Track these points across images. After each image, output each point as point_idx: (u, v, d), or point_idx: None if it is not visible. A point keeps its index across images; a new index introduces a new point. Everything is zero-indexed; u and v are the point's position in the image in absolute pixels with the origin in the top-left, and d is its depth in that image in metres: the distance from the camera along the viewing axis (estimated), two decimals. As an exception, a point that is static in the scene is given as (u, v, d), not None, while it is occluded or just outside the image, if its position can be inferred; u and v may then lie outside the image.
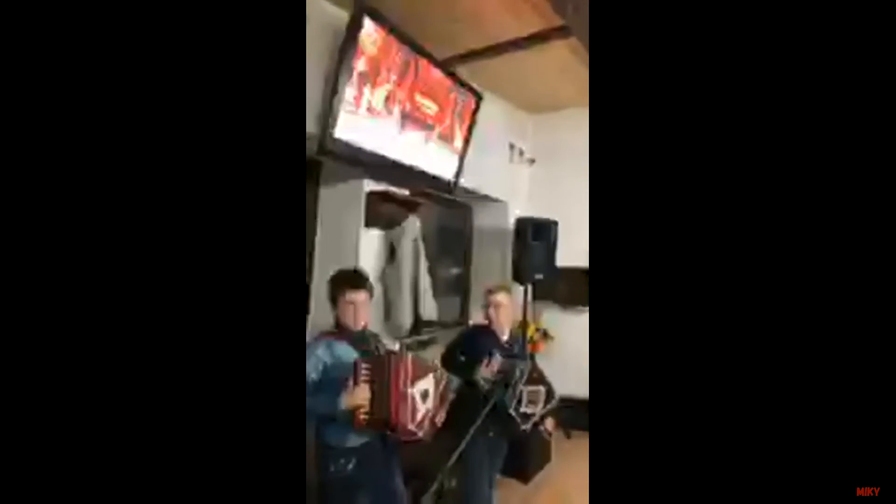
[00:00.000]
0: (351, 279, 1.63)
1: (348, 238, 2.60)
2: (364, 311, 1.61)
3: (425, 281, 2.75)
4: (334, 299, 1.60)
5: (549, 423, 2.04)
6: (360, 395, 1.42)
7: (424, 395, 1.51)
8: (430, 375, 1.55)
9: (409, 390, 1.45)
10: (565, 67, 2.95)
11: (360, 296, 1.59)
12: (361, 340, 1.59)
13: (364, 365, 1.45)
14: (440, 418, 1.57)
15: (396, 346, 2.06)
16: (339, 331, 1.60)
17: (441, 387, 1.58)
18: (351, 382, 1.42)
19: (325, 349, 1.52)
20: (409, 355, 1.53)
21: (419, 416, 1.47)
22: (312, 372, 1.48)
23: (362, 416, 1.43)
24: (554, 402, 1.91)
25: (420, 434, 1.48)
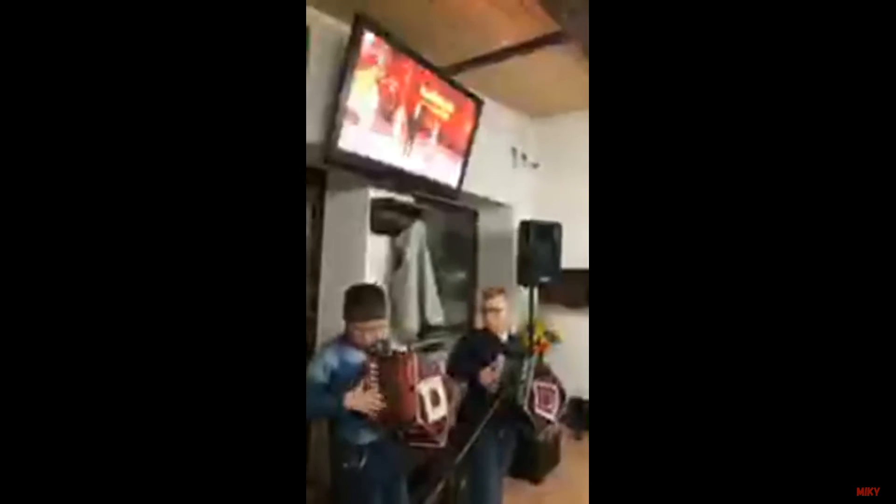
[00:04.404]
0: (374, 308, 1.62)
1: (355, 245, 2.62)
2: (381, 332, 1.63)
3: (431, 286, 2.77)
4: (352, 319, 1.60)
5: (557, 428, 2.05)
6: (368, 398, 1.48)
7: (434, 396, 1.54)
8: (438, 377, 1.60)
9: (417, 385, 1.49)
10: (565, 72, 2.97)
11: (382, 322, 1.64)
12: (371, 346, 1.62)
13: (373, 365, 1.51)
14: (451, 420, 1.60)
15: (404, 348, 2.08)
16: (350, 339, 1.62)
17: (449, 390, 1.62)
18: (358, 384, 1.48)
19: (334, 354, 1.58)
20: (416, 355, 1.56)
21: (430, 416, 1.50)
22: (321, 374, 1.53)
23: (374, 413, 1.48)
24: (565, 405, 1.92)
25: (437, 439, 1.52)
